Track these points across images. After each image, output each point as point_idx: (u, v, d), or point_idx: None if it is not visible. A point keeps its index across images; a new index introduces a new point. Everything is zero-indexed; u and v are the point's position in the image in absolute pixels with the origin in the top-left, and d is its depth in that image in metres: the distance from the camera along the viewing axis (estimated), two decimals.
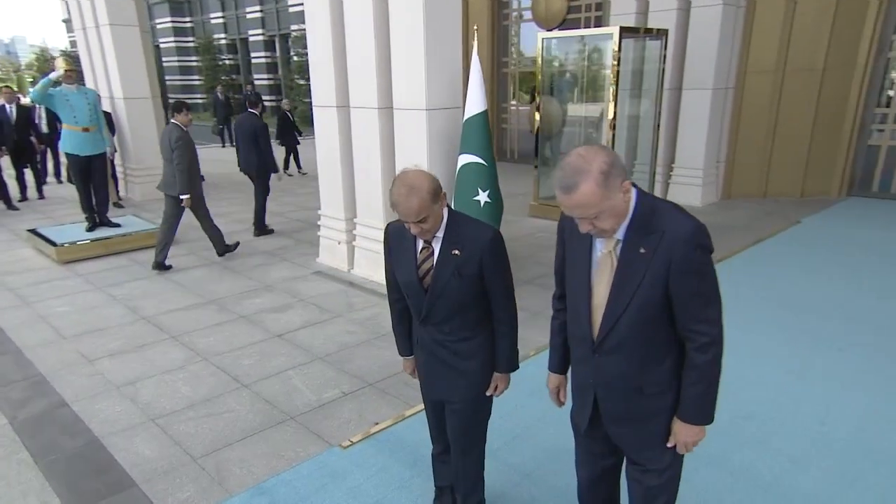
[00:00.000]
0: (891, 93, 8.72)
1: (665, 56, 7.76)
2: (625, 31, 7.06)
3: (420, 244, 2.12)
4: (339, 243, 6.07)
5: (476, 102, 4.76)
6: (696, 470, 2.69)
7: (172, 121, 5.86)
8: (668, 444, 1.71)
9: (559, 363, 1.99)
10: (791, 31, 8.51)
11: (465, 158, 4.75)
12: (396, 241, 2.21)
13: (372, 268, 5.72)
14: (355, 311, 4.97)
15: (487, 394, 2.22)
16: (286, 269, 6.08)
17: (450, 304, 2.09)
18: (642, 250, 1.58)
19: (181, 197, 5.89)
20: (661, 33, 7.77)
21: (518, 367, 2.24)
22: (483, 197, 4.72)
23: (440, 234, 2.08)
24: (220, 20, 34.98)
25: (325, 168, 6.06)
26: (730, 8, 8.18)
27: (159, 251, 6.06)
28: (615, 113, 7.16)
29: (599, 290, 1.68)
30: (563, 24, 11.96)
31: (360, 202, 5.74)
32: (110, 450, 3.14)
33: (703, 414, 1.66)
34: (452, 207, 4.68)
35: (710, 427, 1.68)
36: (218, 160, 13.76)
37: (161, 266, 6.04)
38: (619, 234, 1.62)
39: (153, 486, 2.86)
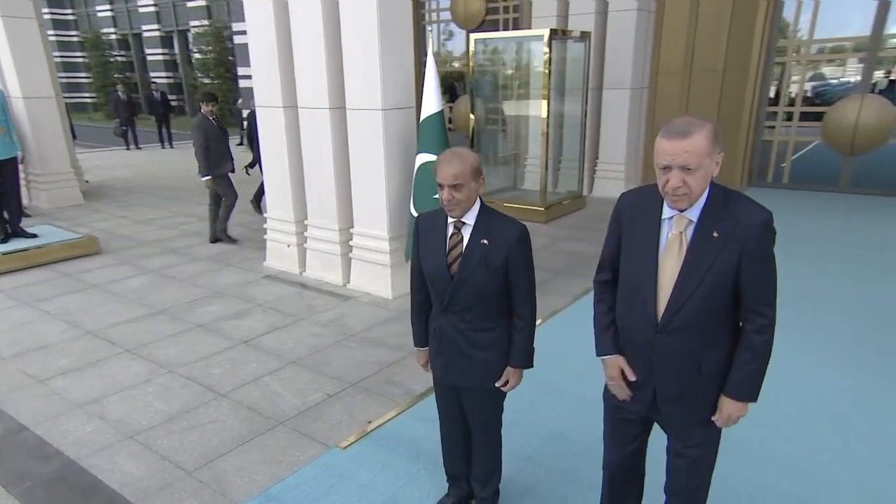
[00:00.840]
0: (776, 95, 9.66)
1: (589, 57, 8.18)
2: (553, 34, 7.38)
3: (450, 230, 2.18)
4: (288, 246, 5.95)
5: (432, 102, 4.83)
6: None
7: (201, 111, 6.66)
8: (714, 419, 1.87)
9: (614, 343, 1.99)
10: (695, 36, 9.22)
11: (423, 157, 4.81)
12: (426, 231, 2.26)
13: (325, 269, 5.66)
14: (317, 313, 4.91)
15: (497, 385, 2.31)
16: (233, 275, 5.89)
17: (473, 292, 2.16)
18: (715, 234, 1.71)
19: (202, 179, 6.69)
20: (585, 36, 8.19)
21: (532, 366, 2.29)
22: None
23: (470, 221, 2.15)
24: (108, 13, 32.63)
25: (271, 170, 5.91)
26: (643, 13, 8.75)
27: (221, 228, 6.97)
28: (549, 111, 7.48)
29: (666, 271, 1.78)
30: (482, 25, 12.24)
31: (312, 203, 5.66)
32: (92, 471, 2.96)
33: (753, 392, 1.81)
34: (413, 206, 4.75)
35: None
36: (134, 164, 12.95)
37: (226, 236, 7.00)
38: (693, 215, 1.74)
39: (152, 501, 2.74)
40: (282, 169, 5.79)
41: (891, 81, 17.45)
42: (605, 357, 2.03)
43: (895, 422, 3.20)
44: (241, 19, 15.92)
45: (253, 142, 7.32)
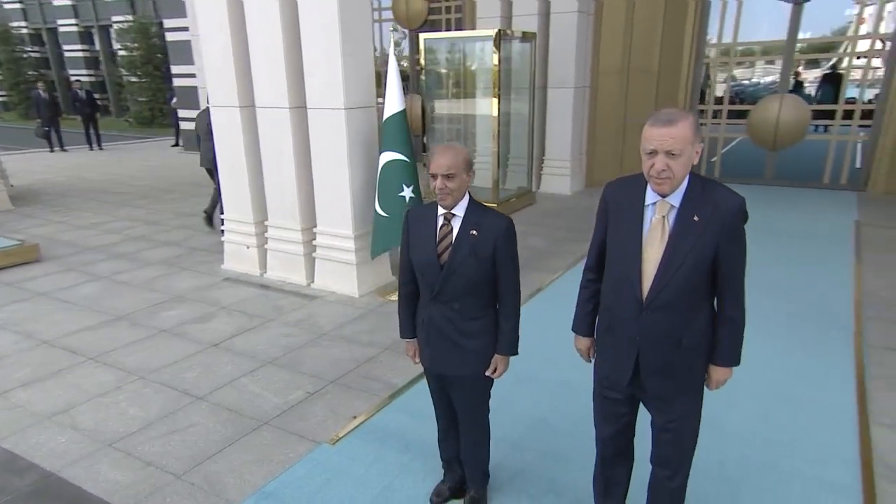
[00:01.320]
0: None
1: (534, 57, 8.43)
2: (503, 34, 7.57)
3: (440, 222, 2.28)
4: (247, 247, 5.86)
5: (395, 101, 4.89)
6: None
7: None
8: (707, 386, 2.07)
9: (588, 327, 2.24)
10: (631, 38, 9.66)
11: (388, 156, 4.87)
12: (415, 225, 2.35)
13: (288, 270, 5.62)
14: (285, 313, 4.89)
15: (487, 373, 2.42)
16: (191, 278, 5.75)
17: (462, 281, 2.26)
18: (696, 218, 1.88)
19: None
20: (530, 37, 8.44)
21: (518, 353, 2.41)
22: (408, 192, 4.88)
23: (460, 213, 2.26)
24: (17, 6, 30.63)
25: (227, 171, 5.81)
26: (583, 15, 9.07)
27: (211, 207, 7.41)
28: (500, 110, 7.67)
29: (650, 253, 1.94)
30: (424, 25, 12.34)
31: (272, 204, 5.60)
32: (74, 482, 2.89)
33: (736, 357, 2.02)
34: (378, 205, 4.80)
35: None
36: (62, 167, 12.28)
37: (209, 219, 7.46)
38: (675, 201, 1.90)
39: None
40: (239, 170, 5.70)
41: (798, 82, 18.78)
42: (579, 336, 2.29)
43: (835, 389, 3.54)
44: (175, 15, 15.32)
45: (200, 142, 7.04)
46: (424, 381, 2.87)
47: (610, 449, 2.32)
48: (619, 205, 2.06)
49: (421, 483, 2.81)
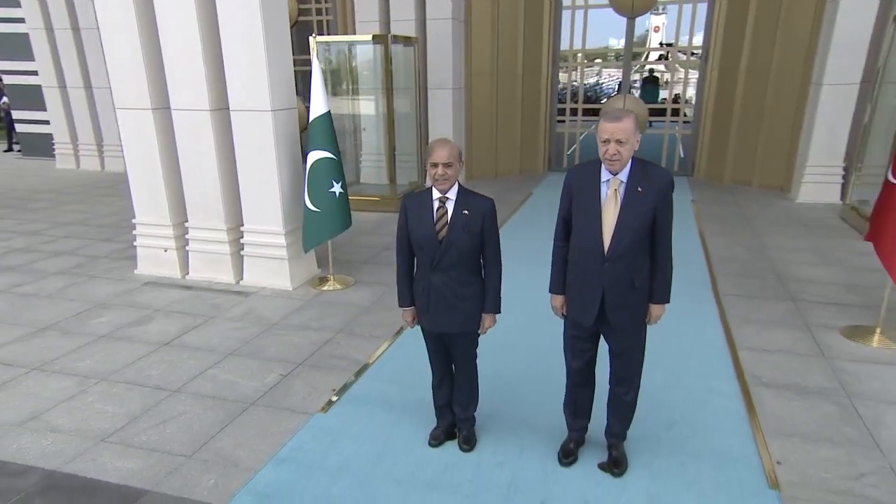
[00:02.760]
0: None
1: (417, 60, 9.01)
2: (381, 39, 8.07)
3: (436, 205, 2.77)
4: (165, 251, 5.80)
5: (320, 104, 5.20)
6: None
7: None
8: (648, 322, 2.77)
9: (562, 285, 2.83)
10: (497, 43, 10.60)
11: (316, 154, 5.16)
12: (413, 209, 2.82)
13: (213, 269, 5.68)
14: (225, 310, 5.01)
15: (479, 331, 2.96)
16: (106, 285, 5.58)
17: (457, 253, 2.77)
18: (640, 189, 2.55)
19: None
20: (413, 41, 9.00)
21: (501, 311, 2.96)
22: (337, 188, 5.22)
23: (453, 197, 2.77)
24: None
25: (139, 175, 5.70)
26: (456, 22, 9.80)
27: None
28: (390, 110, 8.15)
29: (608, 218, 2.58)
30: (294, 26, 12.38)
31: (194, 205, 5.61)
32: (81, 474, 2.96)
33: (667, 296, 2.73)
34: (308, 200, 5.10)
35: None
36: None
37: None
38: (623, 178, 2.55)
39: (167, 486, 2.88)
40: (153, 173, 5.62)
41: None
42: (554, 295, 2.87)
43: (708, 326, 4.53)
44: (4, 4, 13.60)
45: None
46: (388, 353, 3.32)
47: (578, 378, 2.96)
48: (581, 184, 2.70)
49: (416, 431, 3.27)
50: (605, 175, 2.62)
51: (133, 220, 5.90)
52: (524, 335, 4.34)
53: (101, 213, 8.44)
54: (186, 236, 5.75)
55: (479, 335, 3.00)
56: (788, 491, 2.78)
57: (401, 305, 3.00)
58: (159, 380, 3.88)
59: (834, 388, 3.68)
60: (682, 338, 4.33)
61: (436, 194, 2.78)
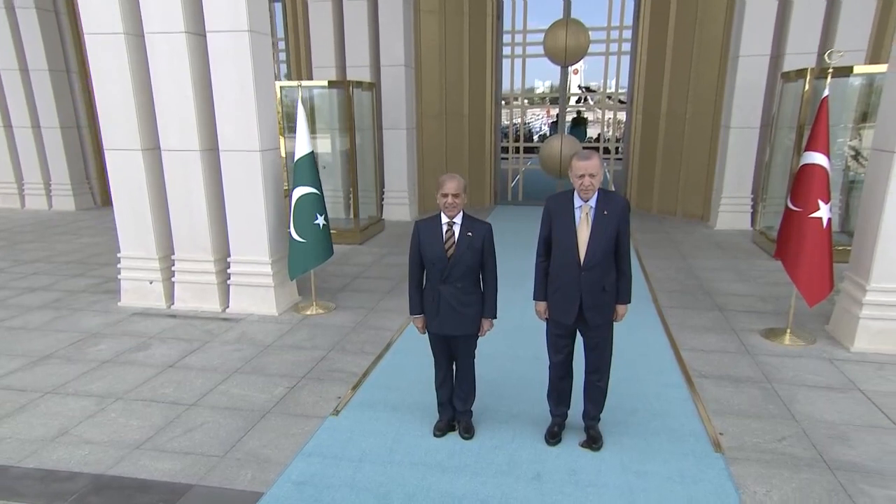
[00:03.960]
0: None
1: (374, 103, 9.65)
2: (344, 84, 8.69)
3: (445, 228, 3.34)
4: (150, 282, 6.04)
5: (304, 145, 5.69)
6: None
7: None
8: (615, 319, 3.41)
9: (544, 293, 3.44)
10: (445, 86, 11.42)
11: (301, 190, 5.62)
12: (425, 232, 3.37)
13: (199, 299, 5.97)
14: (218, 335, 5.32)
15: (480, 334, 3.53)
16: (94, 317, 5.76)
17: (463, 268, 3.35)
18: (605, 212, 3.21)
19: None
20: (371, 86, 9.64)
21: (497, 317, 3.55)
22: (321, 220, 5.68)
23: (458, 221, 3.35)
24: None
25: (126, 212, 5.95)
26: (409, 69, 10.54)
27: None
28: (353, 149, 8.70)
29: (582, 236, 3.23)
30: None
31: (182, 239, 5.90)
32: (128, 475, 3.26)
33: (629, 297, 3.39)
34: (294, 232, 5.51)
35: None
36: None
37: None
38: (592, 204, 3.21)
39: (210, 480, 3.23)
40: (141, 209, 5.90)
41: (553, 123, 22.83)
42: (538, 301, 3.48)
43: (654, 332, 5.26)
44: None
45: None
46: (381, 366, 3.86)
47: (559, 370, 3.56)
48: (559, 210, 3.34)
49: (420, 426, 3.76)
50: (577, 202, 3.28)
51: (118, 255, 6.12)
52: (504, 344, 4.91)
53: (63, 251, 8.46)
54: (173, 268, 6.02)
55: (478, 338, 3.56)
56: (730, 454, 3.45)
57: (412, 313, 3.53)
58: (174, 396, 4.18)
59: (758, 376, 4.45)
60: (634, 344, 5.02)
61: (444, 219, 3.35)
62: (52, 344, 5.10)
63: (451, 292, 3.38)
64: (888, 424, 3.74)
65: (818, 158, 4.60)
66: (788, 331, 5.15)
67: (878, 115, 4.77)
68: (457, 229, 3.36)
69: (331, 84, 9.13)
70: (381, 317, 5.77)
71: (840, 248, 6.66)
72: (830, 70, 4.77)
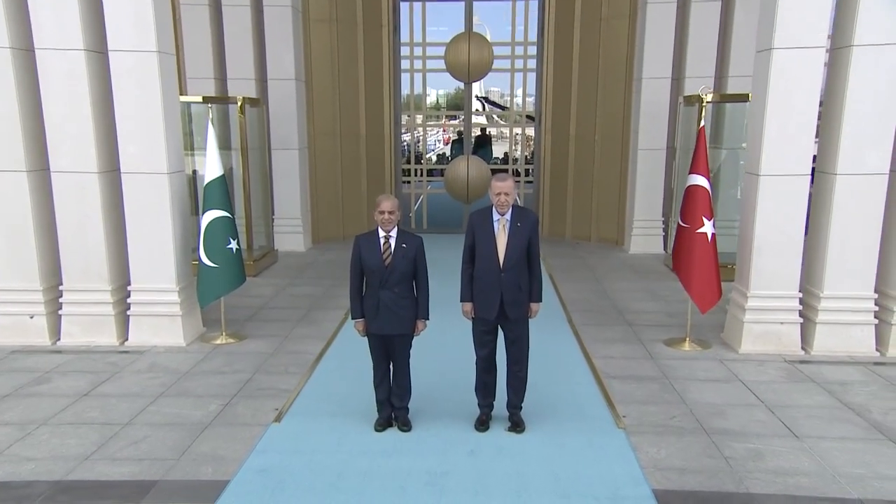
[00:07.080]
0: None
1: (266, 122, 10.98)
2: (224, 100, 9.95)
3: (382, 241, 4.77)
4: (31, 317, 6.89)
5: (215, 167, 6.90)
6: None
7: None
8: (528, 315, 4.96)
9: (470, 295, 4.93)
10: (339, 104, 12.91)
11: (212, 213, 6.81)
12: (365, 244, 4.81)
13: (92, 332, 6.90)
14: (125, 366, 6.32)
15: (414, 333, 4.97)
16: None
17: (399, 274, 4.80)
18: (519, 224, 4.79)
19: None
20: (258, 102, 10.93)
21: (429, 318, 5.03)
22: (234, 245, 6.88)
23: (394, 235, 4.80)
24: None
25: (1, 239, 6.80)
26: (300, 83, 11.94)
27: None
28: (246, 169, 9.93)
29: (501, 243, 4.76)
30: None
31: (73, 267, 6.84)
32: (86, 479, 4.30)
33: (540, 296, 4.98)
34: (205, 256, 6.81)
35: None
36: None
37: None
38: (508, 217, 4.77)
39: (173, 475, 4.35)
40: (22, 236, 6.78)
41: (456, 141, 25.01)
42: (464, 302, 4.99)
43: (568, 345, 6.91)
44: None
45: None
46: (310, 382, 5.32)
47: (485, 364, 5.06)
48: (481, 222, 4.91)
49: (361, 424, 5.09)
50: (496, 216, 4.85)
51: None
52: (432, 348, 6.35)
53: None
54: (60, 299, 6.93)
55: (413, 338, 4.99)
56: (630, 429, 5.08)
57: (353, 317, 4.92)
58: (104, 419, 5.21)
59: (658, 375, 6.20)
60: (550, 355, 6.64)
61: (382, 233, 4.79)
62: None
63: (389, 297, 4.80)
64: (756, 402, 5.58)
65: (700, 180, 6.54)
66: (687, 339, 7.01)
67: (748, 141, 6.83)
68: (393, 241, 4.81)
69: (207, 99, 10.19)
70: (297, 343, 7.03)
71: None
72: (705, 104, 6.80)
